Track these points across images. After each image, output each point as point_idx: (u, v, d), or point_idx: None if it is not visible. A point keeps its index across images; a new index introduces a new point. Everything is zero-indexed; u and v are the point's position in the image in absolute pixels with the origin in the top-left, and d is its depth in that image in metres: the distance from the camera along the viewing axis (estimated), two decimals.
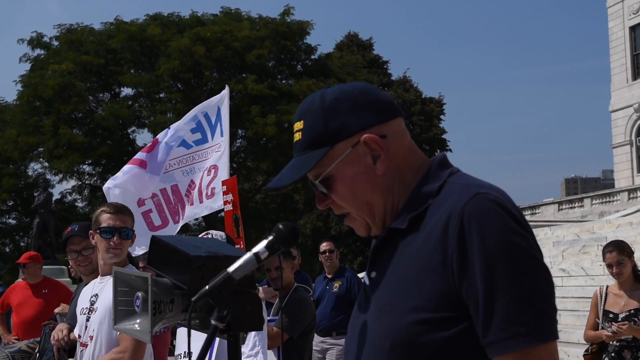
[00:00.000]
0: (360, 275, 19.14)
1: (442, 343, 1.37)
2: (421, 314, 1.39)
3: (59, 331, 3.94)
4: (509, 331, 1.32)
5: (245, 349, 3.62)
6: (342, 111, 1.53)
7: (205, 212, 7.52)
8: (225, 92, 7.50)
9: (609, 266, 5.44)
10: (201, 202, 7.32)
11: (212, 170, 7.26)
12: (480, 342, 1.36)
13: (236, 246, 7.39)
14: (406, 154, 1.55)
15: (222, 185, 7.46)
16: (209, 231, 3.90)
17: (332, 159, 1.52)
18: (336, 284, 7.58)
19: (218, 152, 7.32)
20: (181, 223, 7.35)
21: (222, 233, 3.90)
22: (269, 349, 4.67)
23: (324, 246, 7.87)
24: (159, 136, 7.58)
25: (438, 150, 38.65)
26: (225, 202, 7.66)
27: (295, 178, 1.56)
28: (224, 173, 7.20)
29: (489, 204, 1.40)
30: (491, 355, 1.35)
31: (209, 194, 7.21)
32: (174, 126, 7.61)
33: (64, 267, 18.70)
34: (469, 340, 1.37)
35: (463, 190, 1.44)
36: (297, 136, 1.57)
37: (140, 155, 7.48)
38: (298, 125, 1.57)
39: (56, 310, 4.95)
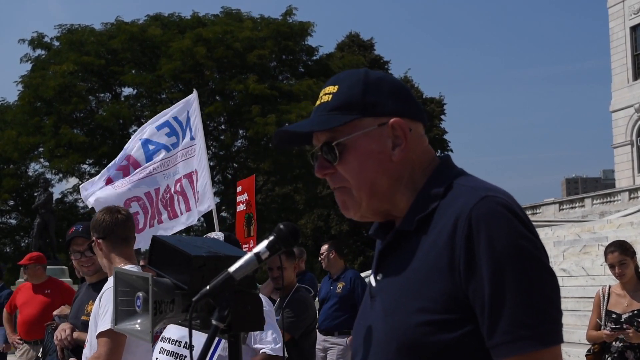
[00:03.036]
0: (362, 275, 19.11)
1: (448, 344, 1.38)
2: (428, 315, 1.39)
3: (62, 331, 3.94)
4: (514, 334, 1.33)
5: (268, 338, 3.67)
6: (383, 91, 1.54)
7: (195, 218, 7.49)
8: (194, 96, 7.57)
9: (611, 266, 5.43)
10: (189, 209, 7.29)
11: (194, 176, 7.25)
12: (486, 344, 1.36)
13: (245, 246, 7.40)
14: (422, 155, 1.56)
15: (238, 185, 7.49)
16: (208, 234, 3.93)
17: (354, 128, 1.51)
18: (340, 285, 7.63)
19: (193, 157, 7.31)
20: (167, 231, 7.28)
21: (221, 233, 3.91)
22: None
23: (321, 249, 7.95)
24: (128, 149, 7.56)
25: (439, 151, 38.73)
26: (238, 203, 7.68)
27: (315, 128, 1.55)
28: (203, 175, 7.20)
29: (497, 207, 1.40)
30: (496, 357, 1.36)
31: (198, 199, 7.20)
32: (145, 135, 7.56)
33: (64, 267, 18.72)
34: (474, 342, 1.37)
35: (471, 193, 1.44)
36: (326, 98, 1.56)
37: (115, 173, 7.46)
38: (331, 88, 1.56)
39: (55, 313, 4.94)
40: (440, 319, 1.38)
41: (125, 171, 7.38)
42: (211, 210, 7.41)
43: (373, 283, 1.58)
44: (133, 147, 7.53)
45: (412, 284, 1.44)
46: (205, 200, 7.17)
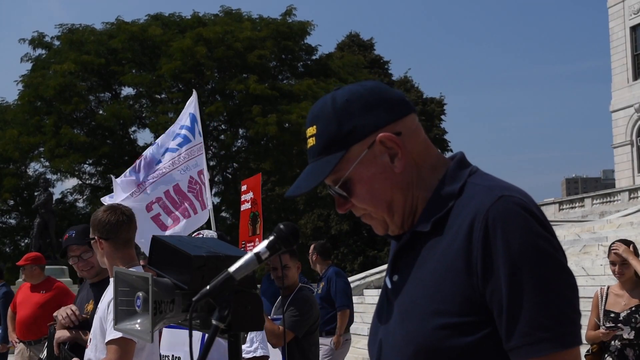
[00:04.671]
0: (360, 275, 19.00)
1: (465, 348, 1.36)
2: (445, 318, 1.38)
3: (67, 309, 3.93)
4: (532, 336, 1.31)
5: (243, 347, 3.66)
6: (355, 112, 1.50)
7: (202, 222, 7.57)
8: (194, 96, 7.66)
9: (612, 263, 5.43)
10: (204, 208, 7.35)
11: (202, 176, 7.32)
12: (504, 346, 1.35)
13: (249, 244, 7.42)
14: (422, 150, 1.54)
15: (242, 184, 7.53)
16: (201, 231, 3.92)
17: (348, 162, 1.50)
18: (321, 285, 7.77)
19: (202, 154, 7.40)
20: (194, 224, 7.32)
21: (213, 232, 3.91)
22: (274, 347, 4.68)
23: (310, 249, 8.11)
24: (144, 153, 7.66)
25: (439, 151, 38.64)
26: (242, 202, 7.71)
27: (313, 185, 1.53)
28: (206, 175, 7.30)
29: (513, 207, 1.38)
30: None
31: (203, 204, 7.28)
32: (158, 142, 7.69)
33: (64, 267, 18.72)
34: (492, 345, 1.36)
35: (487, 192, 1.42)
36: (311, 142, 1.54)
37: (131, 175, 7.52)
38: (311, 130, 1.55)
39: (55, 314, 4.95)
40: (458, 322, 1.37)
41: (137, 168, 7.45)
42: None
43: (389, 285, 1.56)
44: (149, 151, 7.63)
45: (429, 286, 1.42)
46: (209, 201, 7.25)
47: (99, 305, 3.42)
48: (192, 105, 7.65)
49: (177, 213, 7.35)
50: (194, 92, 7.85)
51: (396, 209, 1.52)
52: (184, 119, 7.63)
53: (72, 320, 3.90)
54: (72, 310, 3.93)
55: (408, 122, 1.53)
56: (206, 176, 7.30)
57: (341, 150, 1.50)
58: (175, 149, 7.43)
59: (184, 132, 7.50)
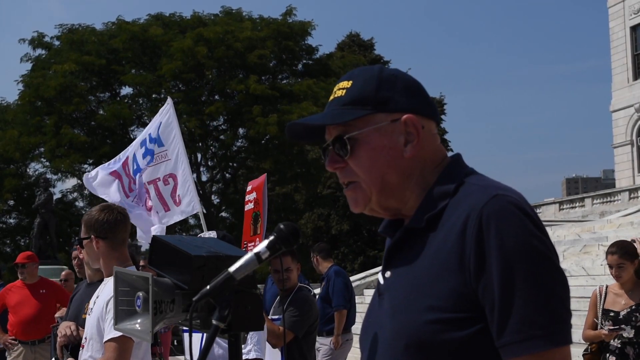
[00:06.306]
0: (360, 275, 18.99)
1: (457, 343, 1.37)
2: (437, 313, 1.38)
3: (67, 327, 3.92)
4: (524, 333, 1.32)
5: None
6: (396, 87, 1.54)
7: (177, 219, 7.62)
8: (168, 103, 7.72)
9: (610, 267, 5.44)
10: (167, 210, 7.42)
11: (170, 179, 7.35)
12: (495, 343, 1.36)
13: (250, 244, 7.43)
14: (433, 154, 1.56)
15: (248, 185, 7.55)
16: (201, 234, 3.92)
17: (366, 123, 1.52)
18: (323, 285, 7.81)
19: (169, 160, 7.43)
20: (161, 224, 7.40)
21: (213, 232, 3.90)
22: (274, 347, 4.68)
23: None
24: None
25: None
26: (246, 202, 7.74)
27: (328, 122, 1.55)
28: (185, 178, 7.31)
29: (508, 206, 1.39)
30: (505, 356, 1.35)
31: (177, 201, 7.31)
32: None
33: (64, 267, 18.71)
34: (484, 341, 1.37)
35: (481, 191, 1.43)
36: (340, 93, 1.56)
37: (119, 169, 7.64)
38: (345, 84, 1.57)
39: (56, 315, 4.96)
40: (450, 317, 1.37)
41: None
42: (205, 211, 7.47)
43: (381, 281, 1.57)
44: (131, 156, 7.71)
45: (422, 282, 1.43)
46: (189, 202, 7.27)
47: (93, 306, 3.41)
48: (163, 112, 7.75)
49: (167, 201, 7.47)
50: (169, 99, 7.93)
51: (388, 189, 1.53)
52: (152, 128, 7.74)
53: (71, 340, 3.89)
54: (71, 329, 3.92)
55: (431, 125, 1.58)
56: (184, 181, 7.33)
57: (368, 109, 1.52)
58: (142, 168, 7.57)
59: (150, 146, 7.61)
